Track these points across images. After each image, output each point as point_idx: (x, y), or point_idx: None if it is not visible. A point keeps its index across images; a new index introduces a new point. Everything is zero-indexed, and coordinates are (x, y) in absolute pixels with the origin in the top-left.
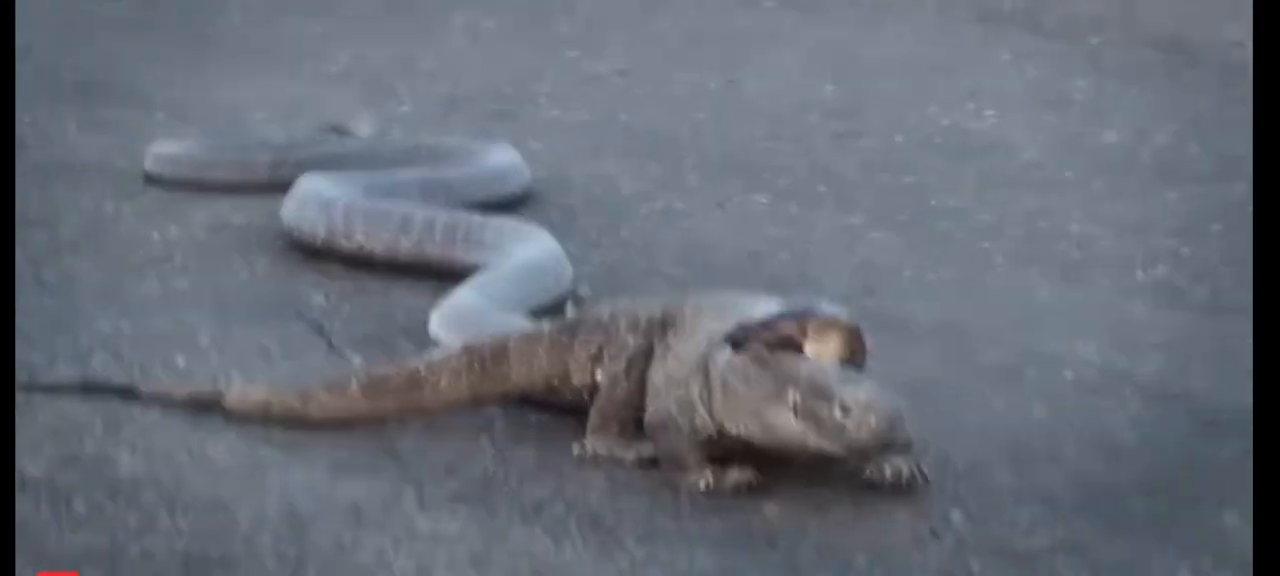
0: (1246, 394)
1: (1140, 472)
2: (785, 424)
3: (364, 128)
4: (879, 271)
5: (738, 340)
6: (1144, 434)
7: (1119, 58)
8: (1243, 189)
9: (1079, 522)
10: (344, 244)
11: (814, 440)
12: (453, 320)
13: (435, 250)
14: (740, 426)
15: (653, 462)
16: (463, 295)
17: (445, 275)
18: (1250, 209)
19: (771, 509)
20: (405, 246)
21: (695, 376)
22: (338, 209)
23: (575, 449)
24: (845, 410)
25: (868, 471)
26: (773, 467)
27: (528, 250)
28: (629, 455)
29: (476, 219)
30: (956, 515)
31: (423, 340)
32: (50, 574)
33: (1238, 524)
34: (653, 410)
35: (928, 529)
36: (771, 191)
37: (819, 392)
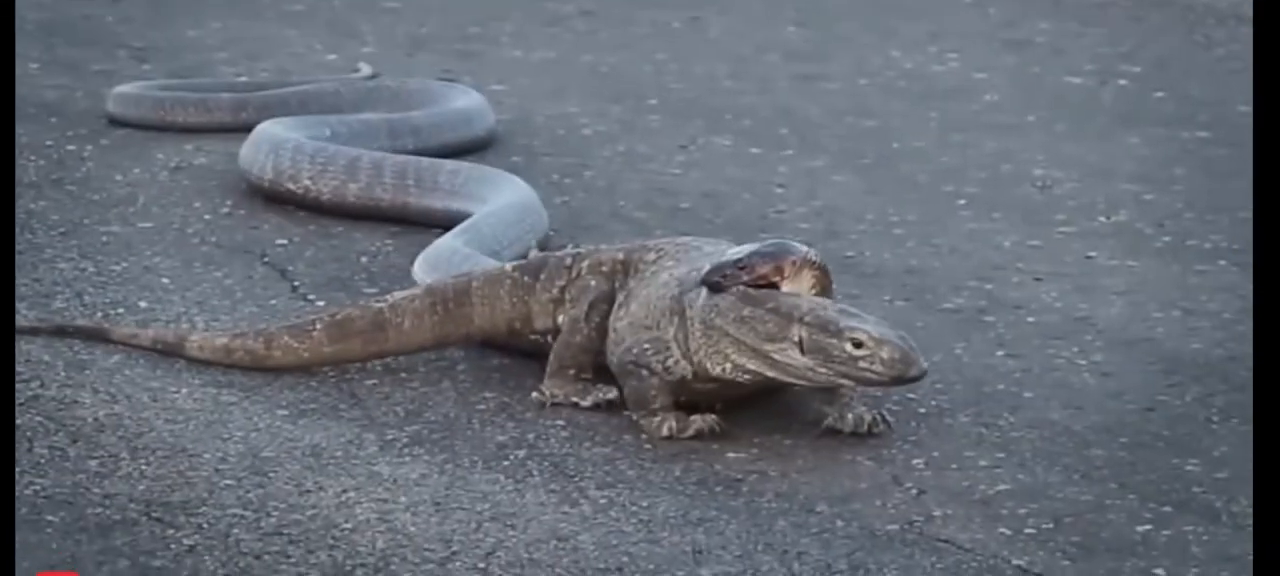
0: (1208, 340)
1: (1101, 418)
2: (790, 360)
3: (365, 68)
4: (841, 215)
5: (714, 282)
6: (1105, 380)
7: None
8: (1206, 133)
9: (1039, 468)
10: (291, 187)
11: (822, 374)
12: (435, 267)
13: (385, 194)
14: (726, 366)
15: (610, 406)
16: (447, 241)
17: (396, 220)
18: (1213, 154)
19: (733, 455)
20: (353, 190)
21: (668, 318)
22: (285, 151)
23: (534, 394)
24: (857, 344)
25: (830, 418)
26: (735, 414)
27: (507, 195)
28: (586, 400)
29: (426, 162)
30: (918, 461)
31: (386, 283)
32: (50, 573)
33: (1198, 470)
34: (622, 351)
35: (889, 475)
36: (734, 133)
37: (826, 327)
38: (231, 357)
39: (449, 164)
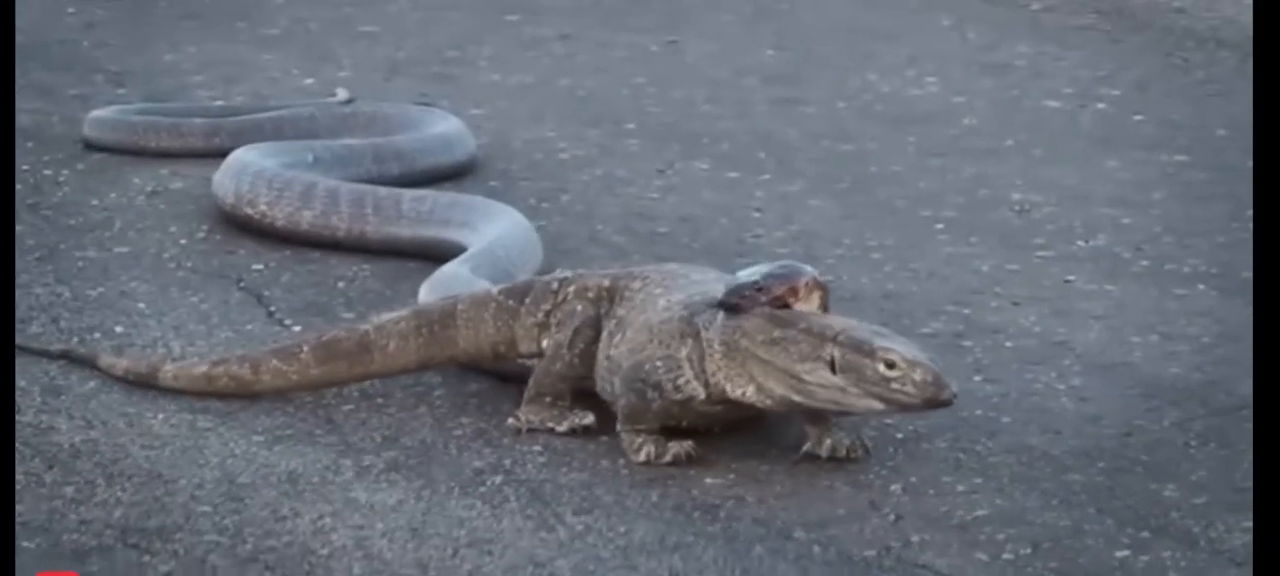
0: (1186, 364)
1: (1079, 443)
2: (820, 380)
3: (342, 93)
4: (819, 239)
5: (732, 304)
6: (1083, 404)
7: (1060, 22)
8: (1184, 157)
9: (1017, 493)
10: (249, 211)
11: (853, 395)
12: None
13: (341, 223)
14: (748, 388)
15: (586, 432)
16: (451, 267)
17: (356, 249)
18: (1192, 177)
19: (711, 481)
20: (307, 218)
21: (679, 340)
22: (246, 176)
23: (510, 420)
24: (890, 365)
25: (808, 443)
26: (712, 441)
27: (500, 220)
28: (562, 426)
29: (385, 191)
30: (896, 487)
31: (364, 308)
32: (51, 573)
33: (1176, 495)
34: (631, 366)
35: (867, 501)
36: (712, 157)
37: (860, 347)
38: (214, 386)
39: (412, 192)
